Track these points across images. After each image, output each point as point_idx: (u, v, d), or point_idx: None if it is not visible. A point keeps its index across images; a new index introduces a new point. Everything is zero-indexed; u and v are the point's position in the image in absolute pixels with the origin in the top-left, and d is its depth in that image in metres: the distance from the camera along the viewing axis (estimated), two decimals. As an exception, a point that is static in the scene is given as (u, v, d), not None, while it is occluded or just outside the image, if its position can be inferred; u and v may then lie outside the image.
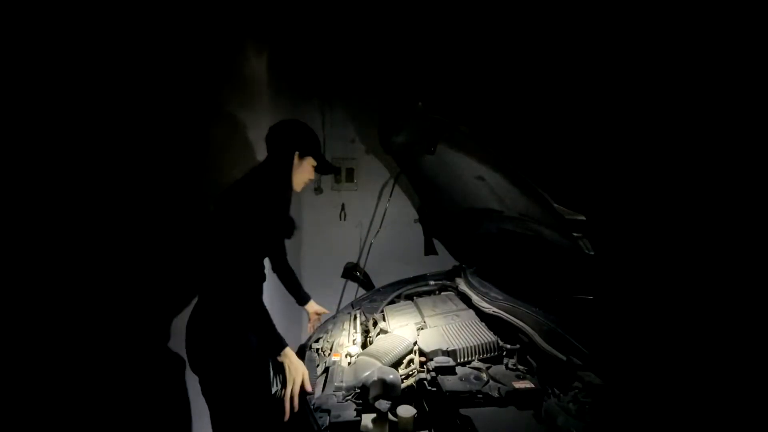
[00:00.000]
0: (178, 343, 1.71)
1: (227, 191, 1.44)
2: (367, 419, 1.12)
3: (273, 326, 1.31)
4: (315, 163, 1.49)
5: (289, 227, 1.58)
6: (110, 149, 1.71)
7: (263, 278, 1.50)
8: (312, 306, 1.87)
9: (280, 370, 1.32)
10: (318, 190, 2.74)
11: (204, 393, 1.48)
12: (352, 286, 2.80)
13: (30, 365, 1.48)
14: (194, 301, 1.51)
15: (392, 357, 1.33)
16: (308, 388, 1.19)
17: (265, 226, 1.34)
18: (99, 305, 1.70)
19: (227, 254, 1.38)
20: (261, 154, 1.99)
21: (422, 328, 1.53)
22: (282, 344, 1.29)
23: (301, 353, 1.57)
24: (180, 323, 1.62)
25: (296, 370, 1.24)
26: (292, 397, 1.17)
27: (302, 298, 1.86)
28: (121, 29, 1.66)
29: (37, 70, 1.47)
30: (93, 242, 1.68)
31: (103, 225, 1.71)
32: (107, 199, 1.71)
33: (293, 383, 1.20)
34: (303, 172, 1.48)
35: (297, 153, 1.43)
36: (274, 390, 1.46)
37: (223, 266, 1.38)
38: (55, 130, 1.52)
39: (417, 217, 2.69)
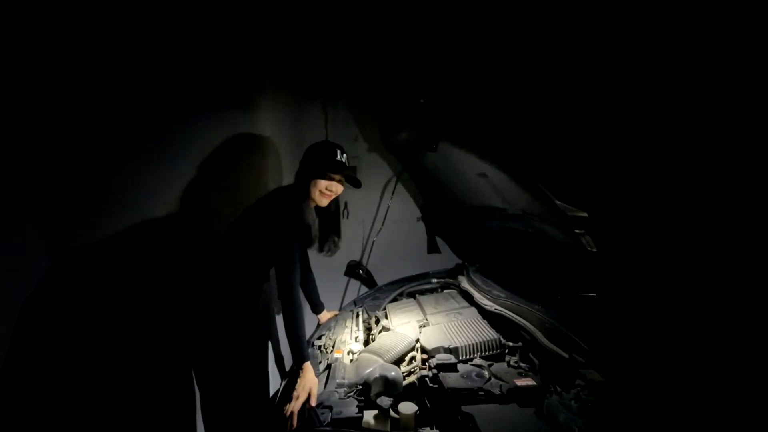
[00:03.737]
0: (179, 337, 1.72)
1: (253, 206, 1.52)
2: (368, 416, 1.12)
3: (299, 338, 1.31)
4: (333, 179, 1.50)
5: (319, 238, 1.61)
6: (108, 148, 1.71)
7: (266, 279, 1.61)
8: (325, 315, 1.89)
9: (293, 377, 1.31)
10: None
11: (198, 384, 1.56)
12: (355, 283, 2.80)
13: (33, 360, 1.49)
14: (195, 300, 1.53)
15: (394, 354, 1.34)
16: (312, 403, 1.18)
17: (282, 240, 1.36)
18: (104, 302, 1.71)
19: (243, 262, 1.48)
20: (262, 154, 2.00)
21: (424, 326, 1.53)
22: (302, 358, 1.28)
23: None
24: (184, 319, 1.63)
25: (303, 388, 1.20)
26: (293, 412, 1.16)
27: (317, 306, 1.89)
28: (120, 30, 1.66)
29: (37, 70, 1.48)
30: (92, 242, 1.69)
31: (102, 224, 1.72)
32: (106, 197, 1.72)
33: (297, 399, 1.18)
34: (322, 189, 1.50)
35: (311, 179, 1.47)
36: (273, 392, 1.47)
37: (238, 272, 1.48)
38: (53, 131, 1.52)
39: (420, 215, 2.69)
